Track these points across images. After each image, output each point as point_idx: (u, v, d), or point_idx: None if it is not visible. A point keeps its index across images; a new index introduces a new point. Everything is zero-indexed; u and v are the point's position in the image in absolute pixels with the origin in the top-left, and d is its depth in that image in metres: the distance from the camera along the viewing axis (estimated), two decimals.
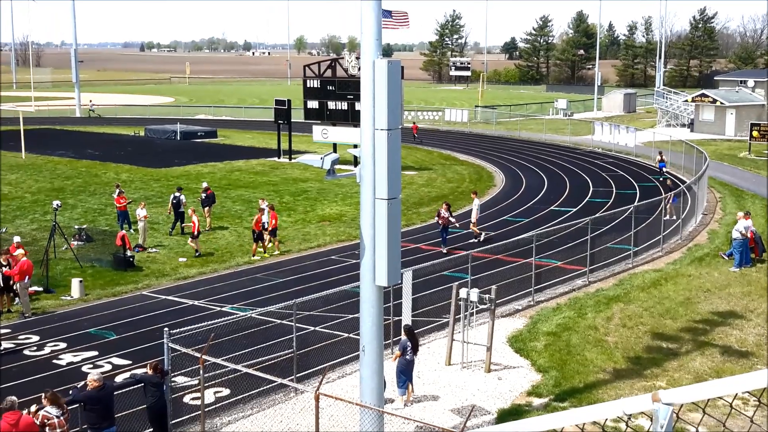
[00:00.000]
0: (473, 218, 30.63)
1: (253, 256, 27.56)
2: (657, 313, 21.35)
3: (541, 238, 25.29)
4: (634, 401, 3.33)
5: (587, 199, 39.48)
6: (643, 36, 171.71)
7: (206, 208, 32.08)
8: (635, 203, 32.77)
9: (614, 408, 3.33)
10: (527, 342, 19.21)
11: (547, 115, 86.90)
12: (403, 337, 16.29)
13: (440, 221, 28.59)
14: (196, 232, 27.63)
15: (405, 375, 15.92)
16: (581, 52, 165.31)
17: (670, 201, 31.74)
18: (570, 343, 19.07)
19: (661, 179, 43.98)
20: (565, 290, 23.87)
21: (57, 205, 27.49)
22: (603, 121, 69.33)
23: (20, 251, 22.32)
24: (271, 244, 28.31)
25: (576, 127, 70.44)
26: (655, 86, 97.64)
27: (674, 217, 31.13)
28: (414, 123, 68.75)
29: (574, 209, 36.63)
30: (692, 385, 3.28)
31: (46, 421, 12.08)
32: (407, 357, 15.91)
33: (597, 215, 30.73)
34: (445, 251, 27.51)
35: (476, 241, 29.83)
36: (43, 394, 12.37)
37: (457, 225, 29.58)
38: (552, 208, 37.30)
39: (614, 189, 42.16)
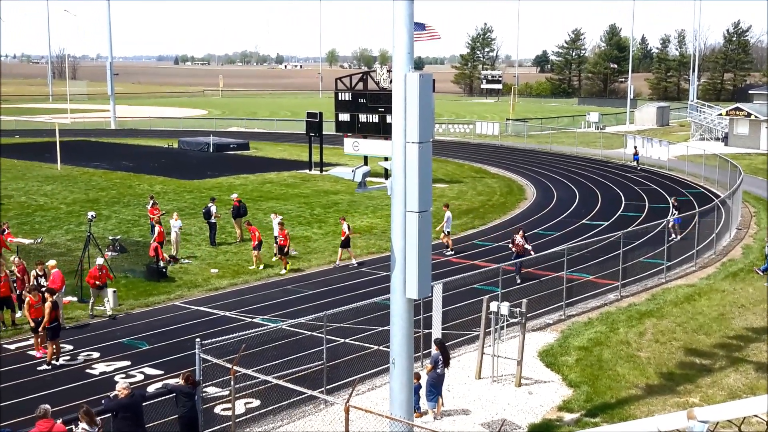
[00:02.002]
0: (445, 230, 30.27)
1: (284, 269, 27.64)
2: (690, 328, 21.11)
3: (572, 252, 25.15)
4: (668, 418, 3.30)
5: (619, 212, 39.17)
6: (677, 49, 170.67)
7: (236, 220, 32.27)
8: (668, 217, 32.45)
9: (649, 424, 3.31)
10: (558, 356, 19.08)
11: (578, 128, 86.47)
12: (434, 350, 16.26)
13: (515, 249, 26.33)
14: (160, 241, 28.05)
15: (435, 388, 15.90)
16: (614, 65, 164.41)
17: (672, 221, 31.56)
18: (602, 358, 18.90)
19: (638, 169, 53.80)
20: (597, 305, 23.69)
21: (92, 216, 27.78)
22: (635, 134, 68.84)
23: (52, 261, 22.48)
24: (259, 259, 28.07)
25: (608, 141, 70.03)
26: (689, 99, 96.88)
27: (676, 237, 30.55)
28: None
29: (606, 223, 36.35)
30: (728, 403, 3.25)
31: None
32: (438, 371, 15.87)
33: (629, 229, 30.48)
34: (519, 281, 25.32)
35: (451, 252, 29.82)
36: (81, 411, 12.50)
37: (532, 253, 26.26)
38: (584, 221, 37.05)
39: (647, 203, 41.79)
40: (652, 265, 27.48)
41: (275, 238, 28.18)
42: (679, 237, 30.52)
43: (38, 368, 18.57)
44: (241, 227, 32.14)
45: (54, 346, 18.83)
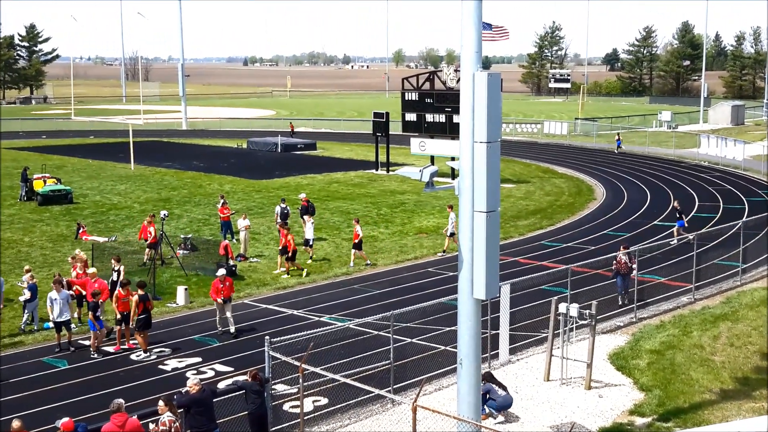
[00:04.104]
0: (449, 231, 29.67)
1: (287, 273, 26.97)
2: (766, 332, 20.51)
3: (644, 254, 24.67)
4: (749, 423, 3.21)
5: (693, 213, 38.27)
6: (752, 46, 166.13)
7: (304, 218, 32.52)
8: (744, 218, 31.61)
9: (730, 429, 3.23)
10: (629, 359, 18.75)
11: (650, 127, 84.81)
12: (483, 384, 14.61)
13: (616, 266, 23.35)
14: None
15: (503, 408, 15.70)
16: (687, 63, 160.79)
17: (677, 225, 30.90)
18: (674, 361, 18.52)
19: (617, 153, 63.99)
20: (669, 307, 23.21)
21: (164, 215, 28.37)
22: (709, 133, 67.25)
23: (92, 270, 22.02)
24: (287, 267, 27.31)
25: (681, 140, 68.55)
26: (765, 98, 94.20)
27: (675, 241, 29.26)
28: (290, 123, 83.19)
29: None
30: None
31: (172, 424, 12.52)
32: (500, 394, 15.59)
33: (703, 230, 29.78)
34: (620, 302, 23.31)
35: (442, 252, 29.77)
36: (162, 402, 12.83)
37: (635, 273, 23.34)
38: (655, 222, 36.33)
39: (721, 204, 40.78)
40: (727, 267, 26.80)
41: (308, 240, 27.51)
42: (692, 237, 28.83)
43: (135, 357, 19.45)
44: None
45: (143, 337, 19.66)
